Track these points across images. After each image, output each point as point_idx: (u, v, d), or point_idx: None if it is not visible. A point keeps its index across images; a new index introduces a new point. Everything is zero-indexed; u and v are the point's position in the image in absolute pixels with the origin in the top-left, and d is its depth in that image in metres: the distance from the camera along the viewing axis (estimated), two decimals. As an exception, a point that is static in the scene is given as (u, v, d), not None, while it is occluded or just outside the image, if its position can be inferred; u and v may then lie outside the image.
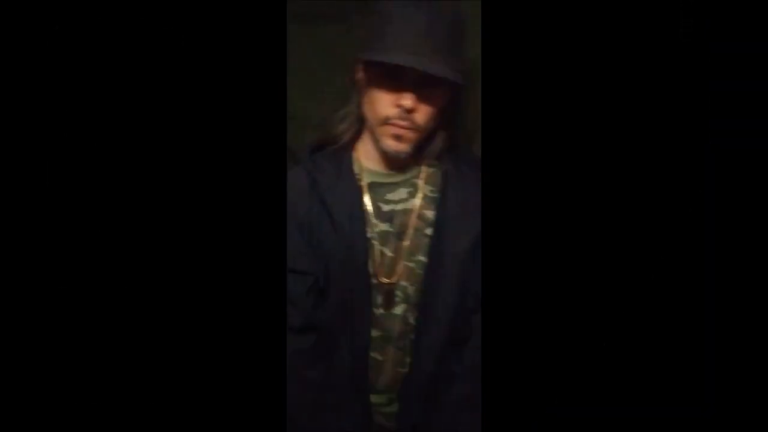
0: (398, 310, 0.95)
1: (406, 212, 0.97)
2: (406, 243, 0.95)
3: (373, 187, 0.97)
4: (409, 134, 0.91)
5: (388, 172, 0.98)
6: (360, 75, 0.93)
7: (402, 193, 0.97)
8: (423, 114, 0.90)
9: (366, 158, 0.98)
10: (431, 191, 0.98)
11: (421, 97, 0.89)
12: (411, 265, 0.95)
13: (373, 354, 0.95)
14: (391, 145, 0.91)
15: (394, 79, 0.88)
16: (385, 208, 0.97)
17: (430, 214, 0.96)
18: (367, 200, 0.97)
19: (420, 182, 0.98)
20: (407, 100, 0.87)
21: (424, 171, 0.98)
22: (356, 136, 0.98)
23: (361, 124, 0.97)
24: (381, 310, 0.95)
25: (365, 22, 0.96)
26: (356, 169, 0.98)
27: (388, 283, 0.94)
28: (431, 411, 0.95)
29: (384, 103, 0.90)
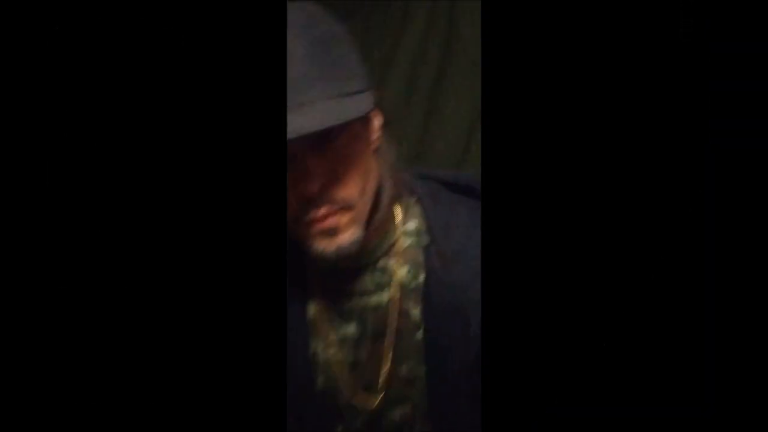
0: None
1: (379, 309, 0.72)
2: (380, 348, 0.71)
3: (324, 279, 0.74)
4: (343, 219, 0.66)
5: (343, 264, 0.71)
6: None
7: (368, 282, 0.73)
8: (346, 182, 0.65)
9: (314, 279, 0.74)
10: (409, 275, 0.72)
11: (330, 165, 0.65)
12: (399, 377, 0.71)
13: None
14: (324, 246, 0.66)
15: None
16: (347, 304, 0.73)
17: (412, 310, 0.72)
18: (313, 306, 0.74)
19: (391, 263, 0.72)
20: (309, 181, 0.63)
21: (399, 246, 0.73)
22: None
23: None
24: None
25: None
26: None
27: (370, 409, 0.71)
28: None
29: (289, 202, 0.66)
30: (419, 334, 0.70)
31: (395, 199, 0.72)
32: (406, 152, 1.29)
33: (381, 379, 0.69)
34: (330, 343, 0.70)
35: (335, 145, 0.65)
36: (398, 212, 0.73)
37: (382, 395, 0.69)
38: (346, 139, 0.66)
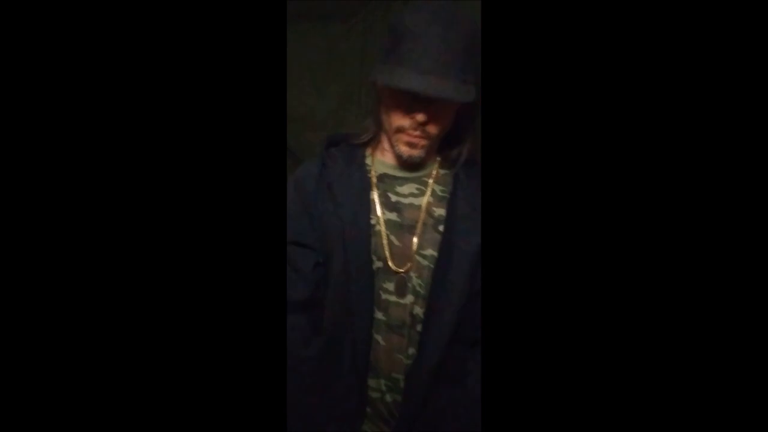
0: (407, 299, 0.97)
1: (414, 207, 1.00)
2: (415, 237, 0.98)
3: (383, 179, 1.02)
4: (422, 142, 0.97)
5: (401, 169, 1.03)
6: (376, 87, 0.97)
7: (411, 188, 1.02)
8: (436, 126, 0.96)
9: (381, 155, 1.03)
10: (441, 191, 1.02)
11: (434, 111, 0.94)
12: (420, 259, 0.98)
13: (375, 336, 0.97)
14: (404, 150, 0.98)
15: (407, 95, 0.92)
16: (393, 198, 1.01)
17: (440, 211, 1.00)
18: (374, 189, 1.01)
19: (430, 181, 1.02)
20: (420, 115, 0.93)
21: (436, 172, 1.03)
22: (373, 138, 1.04)
23: (379, 128, 1.02)
24: (391, 297, 0.97)
25: (377, 29, 0.99)
26: (369, 162, 1.03)
27: (399, 272, 0.97)
28: (433, 406, 0.96)
29: (398, 115, 0.95)
30: (440, 227, 0.99)
31: (465, 154, 1.03)
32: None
33: (411, 253, 0.98)
34: (380, 221, 0.99)
35: (449, 106, 0.95)
36: (461, 161, 1.05)
37: (408, 265, 0.98)
38: (448, 104, 0.94)
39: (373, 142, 1.04)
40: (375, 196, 1.00)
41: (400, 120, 0.95)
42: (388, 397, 0.97)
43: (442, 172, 1.03)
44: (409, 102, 0.93)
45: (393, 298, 0.97)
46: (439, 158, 1.04)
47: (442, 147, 1.03)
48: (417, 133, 0.95)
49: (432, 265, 0.97)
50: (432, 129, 0.96)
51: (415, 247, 0.98)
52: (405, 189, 1.01)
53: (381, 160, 1.03)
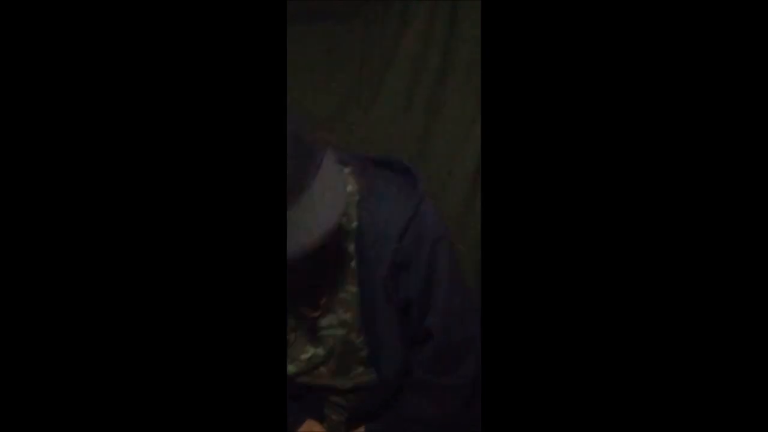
0: (333, 332, 0.99)
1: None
2: (331, 274, 0.97)
3: None
4: None
5: None
6: None
7: None
8: None
9: None
10: (346, 223, 0.97)
11: None
12: (339, 295, 0.98)
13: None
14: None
15: None
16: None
17: (349, 248, 0.98)
18: None
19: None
20: None
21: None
22: None
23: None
24: (311, 334, 1.00)
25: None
26: None
27: (313, 315, 0.98)
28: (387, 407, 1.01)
29: None
30: (353, 264, 0.97)
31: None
32: (406, 152, 1.28)
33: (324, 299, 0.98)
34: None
35: None
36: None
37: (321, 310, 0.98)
38: None
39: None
40: None
41: None
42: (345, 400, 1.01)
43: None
44: None
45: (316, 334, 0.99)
46: None
47: None
48: None
49: (355, 301, 0.98)
50: None
51: (338, 286, 0.98)
52: None
53: None
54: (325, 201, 0.84)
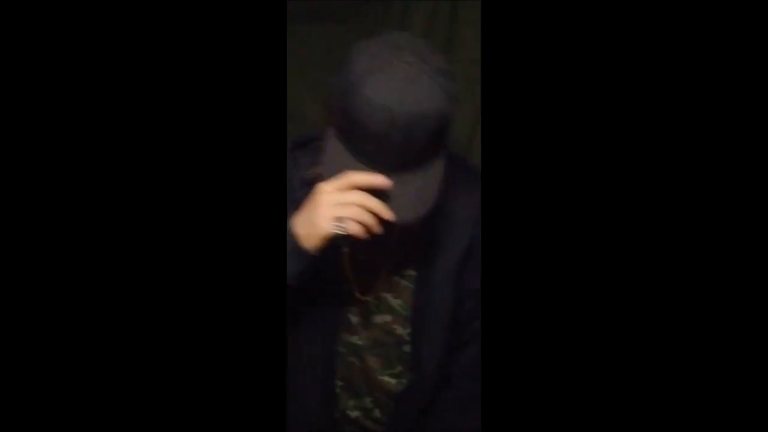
0: (378, 319, 0.93)
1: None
2: (385, 253, 0.90)
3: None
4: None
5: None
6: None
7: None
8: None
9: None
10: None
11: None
12: (395, 277, 0.92)
13: (350, 358, 0.94)
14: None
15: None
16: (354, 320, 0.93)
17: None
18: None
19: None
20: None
21: (399, 285, 0.93)
22: None
23: None
24: (356, 318, 0.93)
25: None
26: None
27: (363, 299, 0.92)
28: (427, 417, 0.95)
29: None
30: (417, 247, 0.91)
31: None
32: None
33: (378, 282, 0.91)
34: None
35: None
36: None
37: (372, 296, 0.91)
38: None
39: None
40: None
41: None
42: (377, 413, 0.95)
43: (402, 283, 0.92)
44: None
45: (357, 319, 0.92)
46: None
47: None
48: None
49: (408, 284, 0.92)
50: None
51: (388, 266, 0.91)
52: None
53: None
54: (427, 177, 0.78)
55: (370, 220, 0.75)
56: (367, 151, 0.76)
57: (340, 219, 0.76)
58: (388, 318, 0.93)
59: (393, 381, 0.95)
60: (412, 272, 0.92)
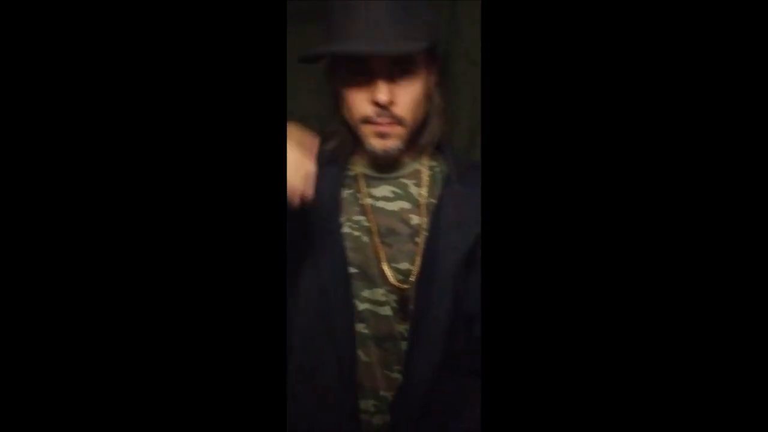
0: (385, 310, 0.91)
1: (387, 213, 0.92)
2: (387, 247, 0.90)
3: (358, 179, 0.93)
4: (393, 129, 0.86)
5: (378, 169, 0.93)
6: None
7: (385, 190, 0.93)
8: (403, 106, 0.86)
9: (360, 154, 0.94)
10: (422, 195, 0.92)
11: (397, 88, 0.85)
12: (391, 272, 0.90)
13: (357, 351, 0.90)
14: (377, 144, 0.87)
15: (363, 74, 0.84)
16: (365, 201, 0.91)
17: (417, 219, 0.91)
18: (346, 189, 0.92)
19: (410, 183, 0.93)
20: (381, 93, 0.83)
21: (418, 172, 0.93)
22: (344, 141, 0.93)
23: (347, 128, 0.92)
24: (366, 305, 0.91)
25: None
26: (349, 163, 0.95)
27: (403, 288, 0.89)
28: (425, 425, 0.90)
29: (359, 102, 0.86)
30: (416, 239, 0.89)
31: (432, 136, 0.91)
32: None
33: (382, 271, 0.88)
34: (352, 224, 0.89)
35: (404, 77, 0.84)
36: (429, 149, 0.92)
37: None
38: (411, 76, 0.85)
39: (345, 145, 0.93)
40: (345, 196, 0.92)
41: (362, 108, 0.85)
42: (377, 419, 0.90)
43: (428, 173, 0.94)
44: (368, 81, 0.84)
45: (367, 306, 0.90)
46: (425, 158, 0.93)
47: (415, 138, 0.91)
48: (384, 119, 0.85)
49: (404, 278, 0.89)
50: (400, 111, 0.85)
51: (386, 258, 0.89)
52: (379, 191, 0.93)
53: (360, 160, 0.94)
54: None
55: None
56: (361, 47, 0.80)
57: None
58: (391, 309, 0.90)
59: (396, 376, 0.90)
60: (408, 266, 0.90)
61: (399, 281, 0.89)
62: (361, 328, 0.91)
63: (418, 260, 0.90)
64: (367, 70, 0.84)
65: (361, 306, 0.91)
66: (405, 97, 0.86)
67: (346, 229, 0.91)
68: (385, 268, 0.89)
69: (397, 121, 0.86)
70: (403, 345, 0.90)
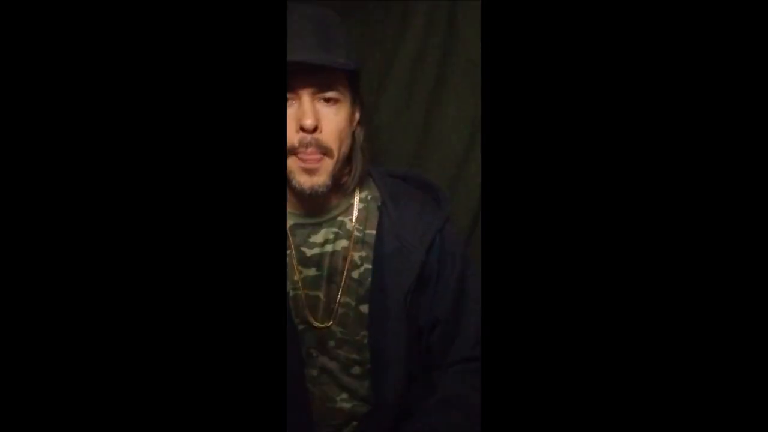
0: (335, 353, 0.94)
1: (335, 255, 0.93)
2: (334, 287, 0.92)
3: (294, 231, 0.92)
4: (321, 164, 0.85)
5: (309, 214, 0.93)
6: None
7: (326, 234, 0.93)
8: (328, 133, 0.85)
9: (288, 200, 0.92)
10: (360, 229, 0.94)
11: (321, 115, 0.84)
12: (343, 310, 0.93)
13: (311, 387, 0.94)
14: (304, 181, 0.86)
15: (290, 101, 0.84)
16: (309, 252, 0.92)
17: (357, 256, 0.93)
18: (289, 247, 0.92)
19: (346, 220, 0.94)
20: (307, 118, 0.82)
21: (354, 207, 0.94)
22: None
23: None
24: (315, 353, 0.95)
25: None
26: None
27: (321, 328, 0.92)
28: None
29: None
30: (354, 274, 0.91)
31: (355, 176, 0.92)
32: (406, 152, 1.28)
33: (335, 306, 0.91)
34: (299, 281, 0.90)
35: (328, 105, 0.85)
36: (356, 181, 0.93)
37: (330, 322, 0.91)
38: (336, 105, 0.85)
39: None
40: (290, 253, 0.91)
41: (288, 138, 0.83)
42: None
43: (358, 206, 0.94)
44: (294, 112, 0.83)
45: (316, 353, 0.93)
46: (356, 192, 0.94)
47: (341, 176, 0.91)
48: (310, 150, 0.83)
49: (352, 315, 0.92)
50: (325, 139, 0.84)
51: (338, 299, 0.91)
52: (319, 237, 0.92)
53: (289, 210, 0.92)
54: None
55: None
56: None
57: None
58: (332, 344, 0.94)
59: (347, 406, 0.95)
60: (351, 301, 0.93)
61: (318, 320, 0.92)
62: (312, 372, 0.95)
63: (363, 294, 0.93)
64: (293, 96, 0.83)
65: (314, 354, 0.94)
66: (330, 124, 0.85)
67: (292, 291, 0.92)
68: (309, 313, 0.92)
69: (323, 150, 0.85)
70: (356, 371, 0.94)
